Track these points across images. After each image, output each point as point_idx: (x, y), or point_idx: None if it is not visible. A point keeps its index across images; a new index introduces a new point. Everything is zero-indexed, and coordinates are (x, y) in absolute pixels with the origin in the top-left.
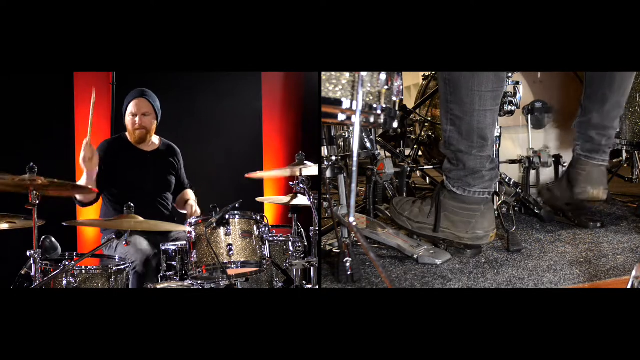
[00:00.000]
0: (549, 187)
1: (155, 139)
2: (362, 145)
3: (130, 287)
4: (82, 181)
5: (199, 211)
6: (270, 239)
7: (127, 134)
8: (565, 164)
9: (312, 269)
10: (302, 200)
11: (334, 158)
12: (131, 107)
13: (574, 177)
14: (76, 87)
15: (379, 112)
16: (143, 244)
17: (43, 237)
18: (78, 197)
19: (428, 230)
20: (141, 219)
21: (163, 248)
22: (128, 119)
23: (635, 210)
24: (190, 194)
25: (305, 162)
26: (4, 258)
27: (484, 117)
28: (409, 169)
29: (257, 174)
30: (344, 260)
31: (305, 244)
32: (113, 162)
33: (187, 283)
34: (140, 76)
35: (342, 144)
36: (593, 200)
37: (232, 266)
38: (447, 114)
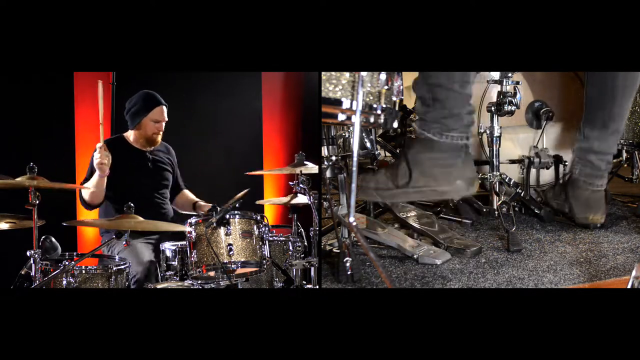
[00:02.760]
0: (547, 194)
1: None
2: (362, 145)
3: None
4: (91, 183)
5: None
6: (270, 239)
7: (127, 135)
8: (565, 163)
9: (312, 269)
10: (302, 200)
11: (334, 158)
12: (157, 114)
13: (573, 199)
14: (76, 87)
15: (379, 112)
16: (145, 254)
17: (43, 237)
18: (87, 198)
19: (402, 196)
20: (141, 218)
21: (163, 248)
22: (149, 125)
23: (635, 210)
24: (191, 195)
25: (305, 162)
26: (4, 258)
27: None
28: None
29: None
30: (344, 260)
31: (305, 244)
32: (114, 163)
33: (187, 283)
34: (140, 76)
35: (342, 144)
36: (592, 222)
37: (232, 266)
38: None
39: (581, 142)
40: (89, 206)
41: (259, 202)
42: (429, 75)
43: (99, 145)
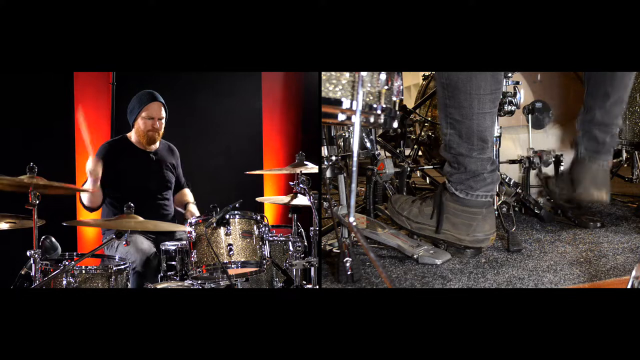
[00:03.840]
0: (550, 181)
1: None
2: (362, 145)
3: (130, 286)
4: (87, 185)
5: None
6: (270, 239)
7: (130, 135)
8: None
9: (312, 269)
10: (302, 200)
11: (334, 158)
12: (148, 111)
13: (577, 177)
14: (76, 87)
15: (379, 112)
16: (144, 243)
17: (43, 237)
18: (85, 202)
19: (428, 231)
20: (141, 218)
21: (163, 248)
22: (142, 122)
23: (635, 210)
24: (188, 195)
25: (305, 162)
26: (4, 258)
27: (483, 120)
28: (409, 169)
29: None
30: (344, 260)
31: (305, 244)
32: (116, 164)
33: (187, 283)
34: (140, 76)
35: (342, 144)
36: (595, 202)
37: (232, 266)
38: (446, 117)
39: (584, 114)
40: (89, 209)
41: (259, 199)
42: (450, 145)
43: (91, 158)
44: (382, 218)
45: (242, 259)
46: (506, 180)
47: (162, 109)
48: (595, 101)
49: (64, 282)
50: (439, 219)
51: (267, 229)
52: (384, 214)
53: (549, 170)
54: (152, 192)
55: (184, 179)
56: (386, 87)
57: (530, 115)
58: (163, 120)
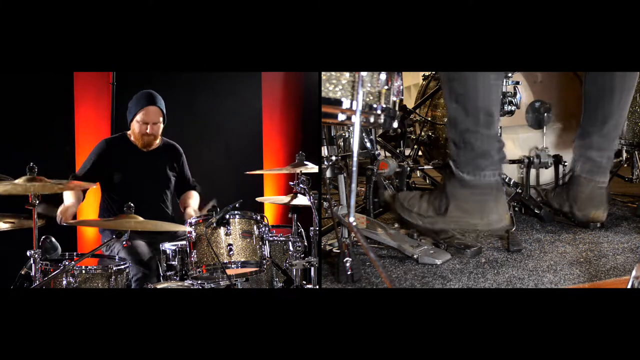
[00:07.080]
0: (548, 194)
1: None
2: (362, 145)
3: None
4: (67, 200)
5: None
6: (270, 239)
7: (129, 133)
8: (565, 163)
9: (312, 269)
10: (302, 200)
11: (334, 158)
12: (142, 115)
13: (575, 196)
14: (76, 87)
15: (379, 112)
16: (144, 251)
17: (43, 237)
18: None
19: (440, 225)
20: (141, 218)
21: (163, 248)
22: (136, 125)
23: (635, 210)
24: (192, 198)
25: (305, 162)
26: (4, 258)
27: (489, 92)
28: (409, 168)
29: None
30: (344, 260)
31: (305, 244)
32: (114, 162)
33: (187, 283)
34: (140, 76)
35: (342, 144)
36: (593, 220)
37: (232, 266)
38: (450, 93)
39: (581, 139)
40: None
41: (259, 199)
42: (456, 122)
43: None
44: (382, 218)
45: (242, 259)
46: (506, 180)
47: (159, 113)
48: (593, 126)
49: (64, 282)
50: (447, 207)
51: (267, 229)
52: (388, 211)
53: (549, 172)
54: (150, 192)
55: (192, 179)
56: (386, 87)
57: (530, 115)
58: (159, 125)
